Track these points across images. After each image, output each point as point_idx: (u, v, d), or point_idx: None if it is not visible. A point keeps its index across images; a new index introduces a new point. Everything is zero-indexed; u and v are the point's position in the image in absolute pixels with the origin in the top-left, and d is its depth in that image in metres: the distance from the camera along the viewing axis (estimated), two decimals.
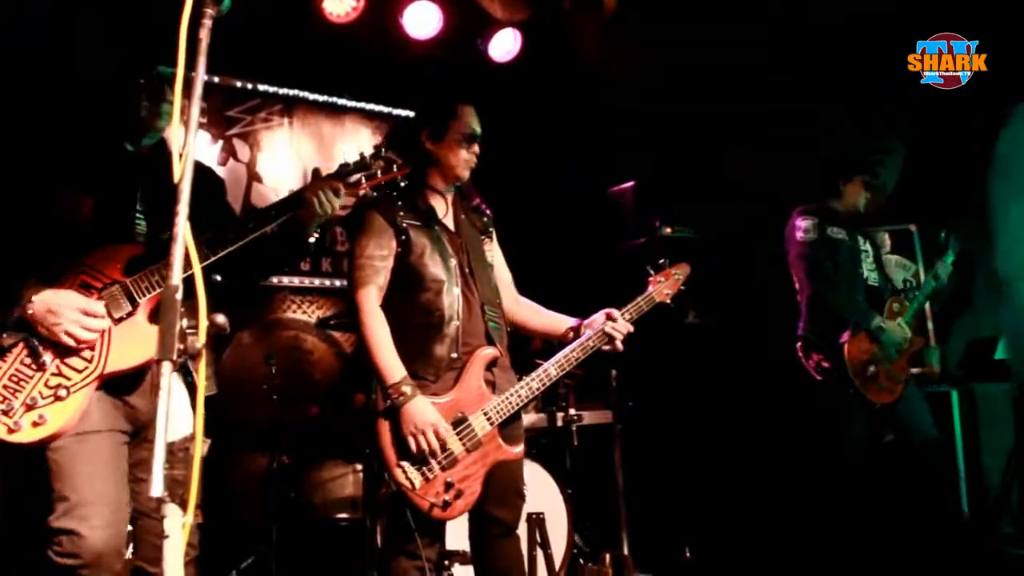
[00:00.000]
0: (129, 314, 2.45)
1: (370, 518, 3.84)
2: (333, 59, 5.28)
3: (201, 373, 1.26)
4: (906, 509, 3.96)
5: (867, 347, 3.97)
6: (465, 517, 3.01)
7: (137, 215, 2.62)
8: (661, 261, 3.29)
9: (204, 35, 1.55)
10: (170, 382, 1.18)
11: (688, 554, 4.66)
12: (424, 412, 2.76)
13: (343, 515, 4.17)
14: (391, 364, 2.79)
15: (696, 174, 5.58)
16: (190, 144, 1.38)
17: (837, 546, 3.98)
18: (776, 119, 5.11)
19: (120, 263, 2.50)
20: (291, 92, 5.42)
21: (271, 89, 5.33)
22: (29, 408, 2.32)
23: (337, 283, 5.42)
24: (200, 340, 1.24)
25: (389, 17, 5.10)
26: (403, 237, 2.92)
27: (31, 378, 2.36)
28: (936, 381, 5.07)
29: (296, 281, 5.28)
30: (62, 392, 2.35)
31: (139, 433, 2.52)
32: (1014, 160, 2.91)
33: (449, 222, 3.07)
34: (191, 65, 1.48)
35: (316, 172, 2.75)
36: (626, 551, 4.23)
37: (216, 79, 5.08)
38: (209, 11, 1.60)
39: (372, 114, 5.76)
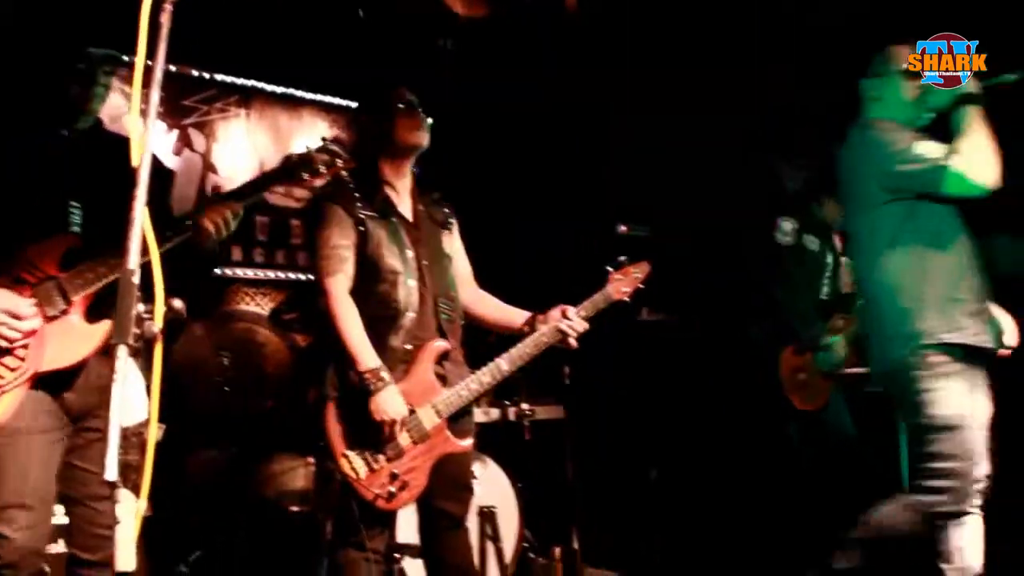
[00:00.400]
0: (63, 311, 2.40)
1: (321, 511, 3.84)
2: (292, 50, 5.25)
3: (157, 358, 1.26)
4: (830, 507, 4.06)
5: (804, 358, 4.07)
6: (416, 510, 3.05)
7: (72, 206, 2.56)
8: (620, 259, 3.32)
9: (165, 20, 1.55)
10: (126, 366, 1.18)
11: (639, 549, 4.71)
12: (397, 401, 2.79)
13: (295, 507, 4.15)
14: (366, 350, 2.82)
15: (654, 173, 5.65)
16: (149, 131, 1.37)
17: (780, 542, 4.08)
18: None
19: (56, 257, 2.45)
20: (249, 83, 5.38)
21: (228, 79, 5.28)
22: None
23: (292, 276, 5.39)
24: (157, 324, 1.25)
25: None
26: (361, 228, 2.94)
27: None
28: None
29: (250, 273, 5.24)
30: None
31: (75, 423, 2.50)
32: (853, 181, 3.07)
33: (407, 214, 3.08)
34: (151, 51, 1.48)
35: (214, 194, 2.74)
36: (576, 545, 4.28)
37: (173, 68, 5.02)
38: None
39: (330, 106, 5.74)
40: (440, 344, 2.97)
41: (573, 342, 3.09)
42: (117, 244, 2.40)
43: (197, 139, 5.16)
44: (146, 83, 1.47)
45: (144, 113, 1.38)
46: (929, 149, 2.85)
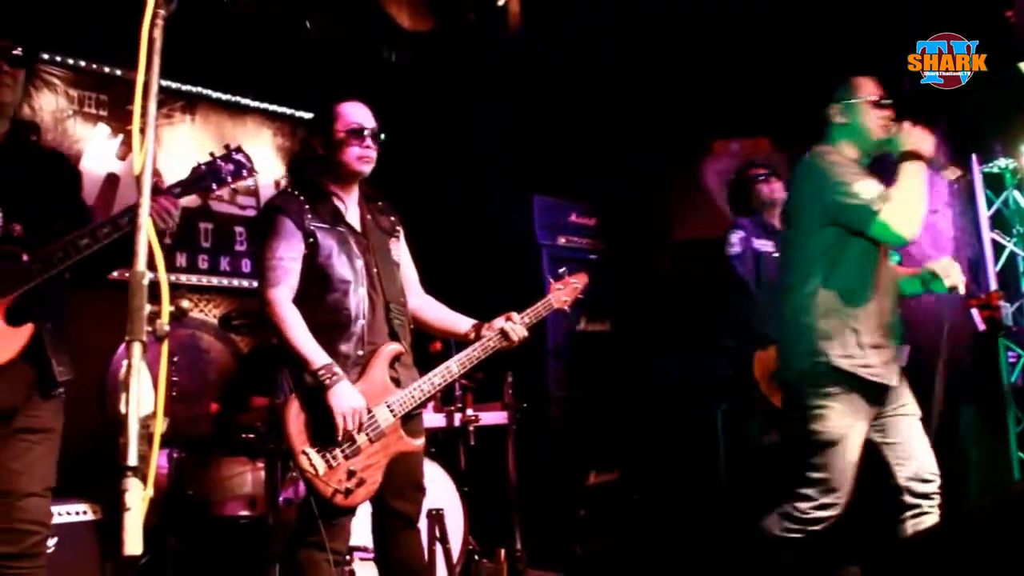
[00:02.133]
0: None
1: (272, 515, 3.88)
2: (238, 58, 5.28)
3: (164, 356, 1.34)
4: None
5: (775, 356, 4.24)
6: (367, 513, 3.12)
7: None
8: (561, 270, 3.49)
9: (158, 35, 1.62)
10: (140, 363, 1.26)
11: (578, 551, 4.84)
12: (354, 393, 2.86)
13: (242, 513, 4.18)
14: (314, 349, 2.87)
15: (594, 186, 5.83)
16: (149, 139, 1.45)
17: (723, 540, 4.24)
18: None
19: None
20: (194, 89, 5.40)
21: (174, 85, 5.29)
22: None
23: (235, 282, 5.41)
24: (166, 324, 1.32)
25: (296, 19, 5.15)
26: (311, 240, 3.00)
27: None
28: None
29: (194, 279, 5.25)
30: None
31: (3, 421, 2.56)
32: (798, 199, 3.28)
33: (355, 222, 3.16)
34: (148, 66, 1.55)
35: (155, 186, 2.77)
36: (519, 547, 4.39)
37: (119, 72, 5.02)
38: (162, 11, 1.66)
39: (275, 115, 5.78)
40: (394, 347, 3.06)
41: (515, 341, 3.21)
42: (37, 250, 2.49)
43: None
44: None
45: (143, 127, 1.44)
46: (866, 189, 3.03)
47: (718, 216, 5.55)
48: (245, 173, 2.77)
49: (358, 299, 3.02)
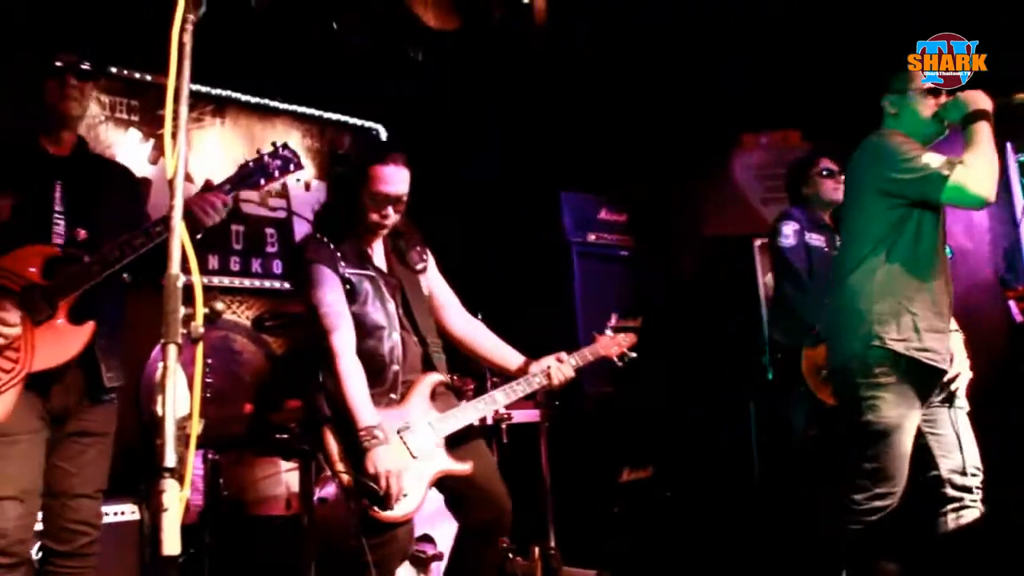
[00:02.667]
0: (49, 316, 2.55)
1: (306, 514, 3.90)
2: (267, 61, 5.31)
3: (199, 357, 1.35)
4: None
5: (824, 352, 4.20)
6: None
7: (56, 215, 2.70)
8: (611, 324, 3.58)
9: (188, 39, 1.64)
10: (175, 364, 1.27)
11: (614, 549, 4.83)
12: (392, 458, 2.87)
13: (278, 512, 4.21)
14: (364, 407, 2.89)
15: (624, 182, 5.80)
16: (180, 144, 1.46)
17: (764, 537, 4.21)
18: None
19: (37, 265, 2.58)
20: (223, 93, 5.44)
21: (203, 89, 5.33)
22: None
23: (267, 284, 5.45)
24: (200, 325, 1.34)
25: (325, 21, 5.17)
26: (347, 286, 3.04)
27: None
28: None
29: (226, 281, 5.29)
30: None
31: (57, 423, 2.68)
32: (857, 184, 3.24)
33: (381, 263, 3.20)
34: (179, 70, 1.56)
35: (206, 184, 2.80)
36: (553, 544, 4.38)
37: (149, 77, 5.07)
38: (191, 16, 1.68)
39: (304, 117, 5.81)
40: (435, 376, 3.13)
41: (560, 381, 3.28)
42: (94, 252, 2.58)
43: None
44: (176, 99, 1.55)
45: (175, 131, 1.46)
46: (933, 159, 2.99)
47: (748, 210, 5.52)
48: (292, 167, 2.85)
49: (392, 344, 3.08)
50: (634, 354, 3.54)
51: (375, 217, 3.10)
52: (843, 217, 3.37)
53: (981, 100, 3.04)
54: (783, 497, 4.55)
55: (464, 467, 3.06)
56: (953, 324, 3.23)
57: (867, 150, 3.20)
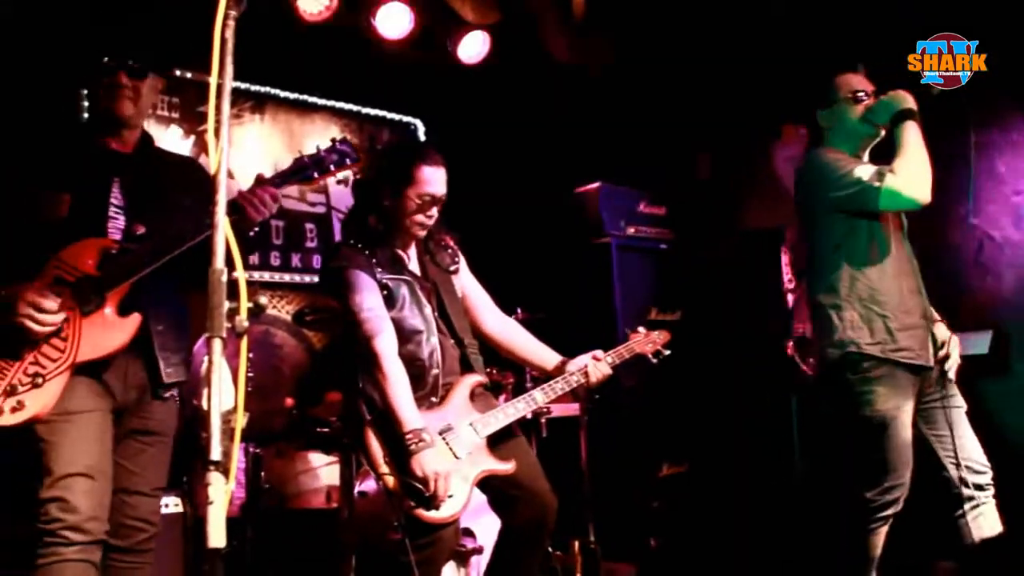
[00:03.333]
0: (98, 306, 2.57)
1: (346, 507, 3.93)
2: (305, 57, 5.35)
3: (243, 351, 1.36)
4: None
5: None
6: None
7: (114, 210, 2.72)
8: (639, 328, 3.55)
9: (229, 35, 1.64)
10: (220, 358, 1.28)
11: (653, 543, 4.81)
12: (438, 460, 2.87)
13: (318, 505, 4.24)
14: (409, 410, 2.90)
15: (663, 176, 5.75)
16: (223, 140, 1.47)
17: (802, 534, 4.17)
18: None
19: (92, 257, 2.60)
20: (262, 89, 5.48)
21: (243, 86, 5.38)
22: (9, 394, 2.48)
23: (307, 279, 5.49)
24: (244, 320, 1.35)
25: (362, 17, 5.19)
26: (385, 292, 3.04)
27: (11, 367, 2.52)
28: None
29: (266, 276, 5.34)
30: (39, 379, 2.51)
31: (119, 418, 2.69)
32: (805, 202, 3.35)
33: (415, 267, 3.20)
34: (221, 66, 1.57)
35: (258, 178, 2.77)
36: (593, 539, 4.37)
37: (189, 75, 5.12)
38: (233, 12, 1.69)
39: (342, 112, 5.84)
40: (475, 377, 3.13)
41: (597, 379, 3.29)
42: (146, 243, 2.59)
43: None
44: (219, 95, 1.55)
45: (218, 127, 1.47)
46: (864, 171, 3.09)
47: (789, 203, 5.44)
48: (349, 162, 2.83)
49: (431, 348, 3.08)
50: (668, 352, 3.51)
51: (420, 218, 3.10)
52: (802, 233, 3.43)
53: (906, 100, 3.11)
54: (824, 494, 4.49)
55: (507, 466, 3.06)
56: (935, 315, 3.28)
57: (806, 171, 3.32)
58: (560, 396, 3.32)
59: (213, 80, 1.53)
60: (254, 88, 5.46)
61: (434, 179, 3.08)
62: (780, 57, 5.14)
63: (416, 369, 3.03)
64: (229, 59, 1.63)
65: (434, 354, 3.07)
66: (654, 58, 5.57)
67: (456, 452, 2.97)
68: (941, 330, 3.27)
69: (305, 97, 5.68)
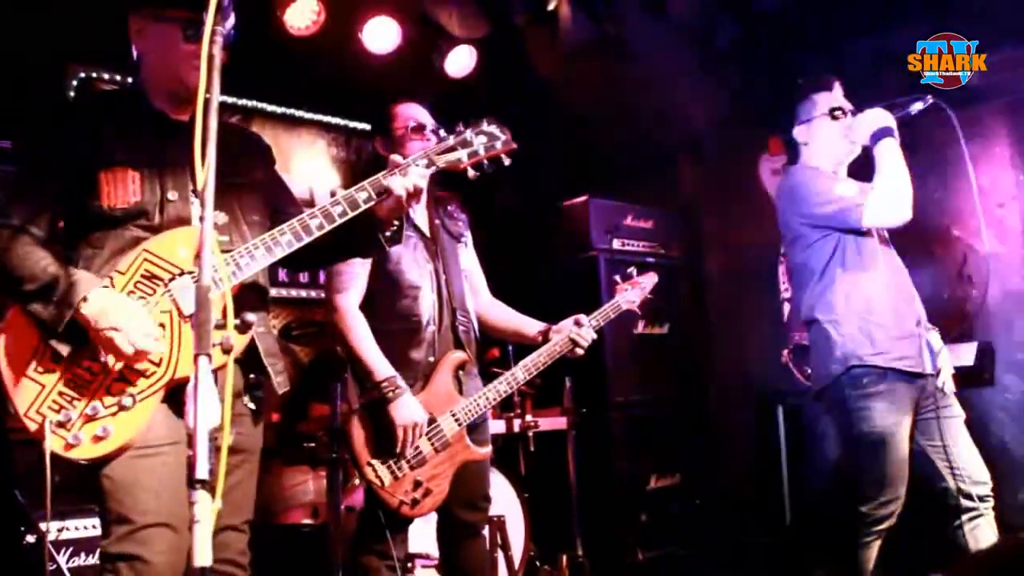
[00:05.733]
0: None
1: (334, 523, 3.90)
2: (292, 71, 5.34)
3: (230, 368, 1.35)
4: None
5: None
6: (428, 521, 3.13)
7: (193, 196, 2.27)
8: (629, 270, 3.47)
9: (216, 51, 1.64)
10: (208, 376, 1.27)
11: (641, 556, 4.80)
12: (417, 408, 2.87)
13: (305, 521, 4.22)
14: (378, 360, 2.89)
15: (649, 188, 5.77)
16: (211, 154, 1.46)
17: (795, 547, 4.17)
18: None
19: (187, 250, 2.15)
20: (249, 103, 5.46)
21: (228, 99, 5.36)
22: (89, 419, 2.02)
23: (295, 293, 5.46)
24: (235, 337, 1.34)
25: (349, 31, 5.19)
26: None
27: (91, 384, 2.05)
28: None
29: None
30: (127, 400, 2.05)
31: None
32: (787, 221, 3.37)
33: (424, 227, 3.17)
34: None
35: (391, 161, 2.34)
36: (581, 553, 4.36)
37: None
38: (220, 28, 1.68)
39: (329, 126, 5.83)
40: (459, 355, 3.07)
41: (581, 351, 3.19)
42: (235, 235, 2.24)
43: None
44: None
45: (204, 142, 1.46)
46: (847, 189, 3.14)
47: (775, 215, 5.47)
48: (500, 145, 2.44)
49: (428, 304, 3.04)
50: (650, 295, 3.44)
51: (418, 146, 2.98)
52: (786, 254, 3.44)
53: (883, 118, 3.15)
54: (813, 506, 4.50)
55: (484, 451, 3.09)
56: (927, 324, 3.29)
57: (785, 189, 3.36)
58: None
59: (200, 95, 1.52)
60: (241, 102, 5.44)
61: (413, 110, 3.13)
62: (767, 66, 5.18)
63: (412, 324, 3.01)
64: (216, 75, 1.62)
65: (431, 310, 3.04)
66: (643, 69, 5.60)
67: (437, 446, 2.95)
68: (935, 338, 3.29)
69: (292, 111, 5.67)
